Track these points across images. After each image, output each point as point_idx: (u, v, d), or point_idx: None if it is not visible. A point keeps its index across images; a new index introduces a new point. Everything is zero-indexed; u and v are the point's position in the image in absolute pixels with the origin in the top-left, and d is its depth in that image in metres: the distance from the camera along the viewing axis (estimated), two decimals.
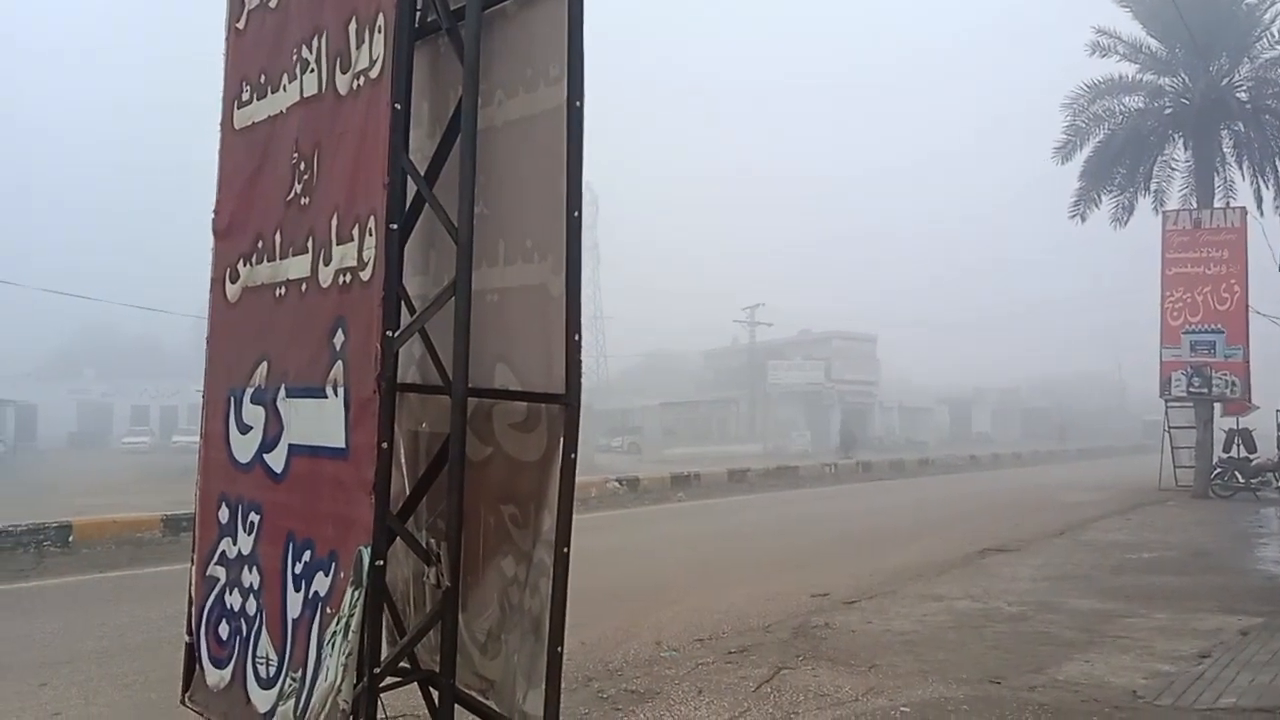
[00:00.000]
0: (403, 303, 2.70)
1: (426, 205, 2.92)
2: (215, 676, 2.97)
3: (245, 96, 3.17)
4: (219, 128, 3.28)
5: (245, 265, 3.07)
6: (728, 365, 72.42)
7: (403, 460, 3.24)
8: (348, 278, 2.57)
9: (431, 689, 3.01)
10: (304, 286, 2.77)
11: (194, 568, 3.16)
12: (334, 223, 2.64)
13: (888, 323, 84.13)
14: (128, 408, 66.63)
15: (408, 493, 3.06)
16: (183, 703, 3.12)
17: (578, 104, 2.71)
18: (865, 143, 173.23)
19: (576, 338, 2.72)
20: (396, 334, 2.46)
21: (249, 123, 3.14)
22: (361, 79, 2.60)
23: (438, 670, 2.82)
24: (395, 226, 2.45)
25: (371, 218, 2.48)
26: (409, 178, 2.67)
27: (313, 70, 2.83)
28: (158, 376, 69.17)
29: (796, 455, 44.55)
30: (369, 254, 2.47)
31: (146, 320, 58.73)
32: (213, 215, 3.26)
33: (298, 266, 2.80)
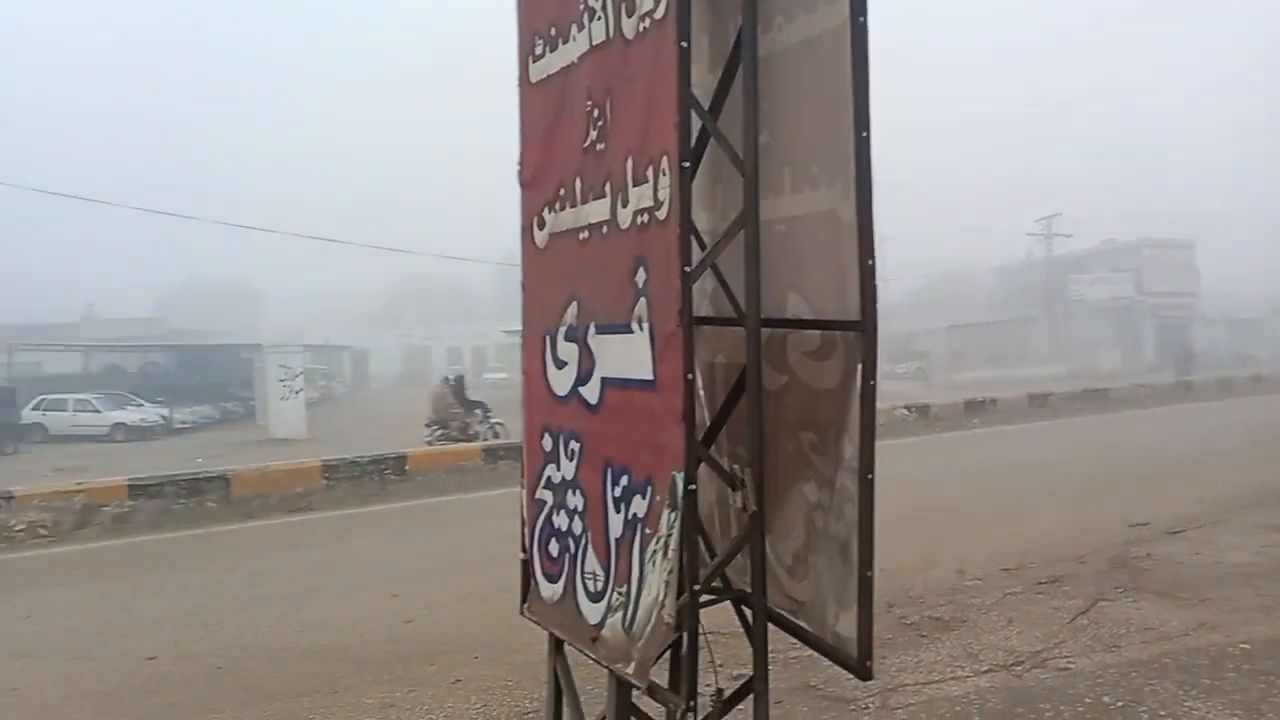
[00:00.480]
0: (692, 238, 2.78)
1: (711, 140, 2.97)
2: (549, 590, 3.27)
3: (539, 51, 3.35)
4: (517, 85, 3.49)
5: (550, 213, 3.28)
6: (1022, 282, 67.68)
7: (700, 391, 3.37)
8: (645, 218, 2.68)
9: (744, 608, 3.14)
10: (605, 229, 2.92)
11: (524, 492, 3.47)
12: (629, 166, 2.75)
13: (1205, 225, 74.72)
14: (443, 349, 73.39)
15: (708, 422, 3.17)
16: (522, 613, 3.47)
17: (861, 19, 2.63)
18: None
19: (870, 263, 2.68)
20: (692, 269, 2.54)
21: (544, 76, 3.32)
22: (647, 20, 2.67)
23: (748, 591, 2.94)
24: (687, 165, 2.52)
25: (664, 158, 2.55)
26: (694, 114, 2.72)
27: (599, 17, 2.93)
28: (467, 320, 75.61)
29: (1105, 376, 41.18)
30: (664, 193, 2.56)
31: (455, 269, 64.03)
32: (518, 168, 3.50)
33: (598, 210, 2.95)
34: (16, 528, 11.05)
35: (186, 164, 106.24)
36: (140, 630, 7.03)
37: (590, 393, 3.01)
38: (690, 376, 2.49)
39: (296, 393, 28.82)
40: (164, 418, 31.72)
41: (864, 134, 2.67)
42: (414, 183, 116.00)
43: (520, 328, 3.53)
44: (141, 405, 32.05)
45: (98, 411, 30.60)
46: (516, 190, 3.52)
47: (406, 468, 14.49)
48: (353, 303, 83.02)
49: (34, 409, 30.31)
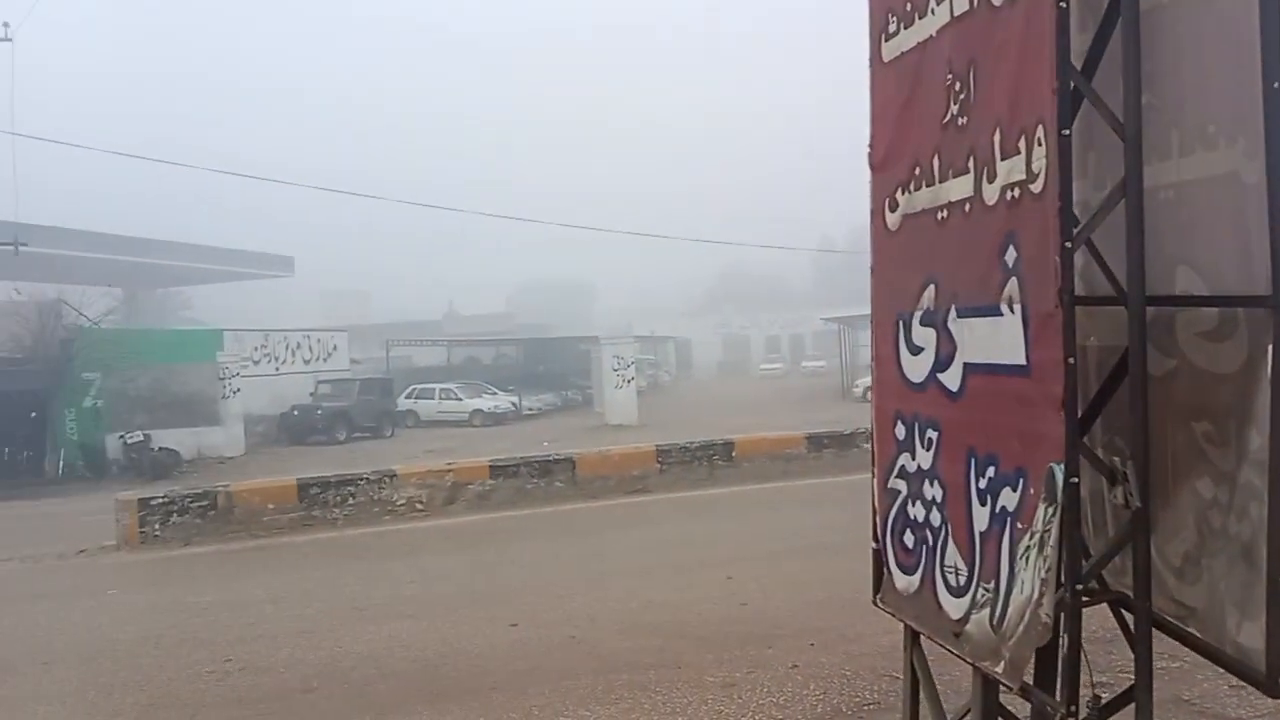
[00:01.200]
0: None
1: (1083, 106, 2.75)
2: (903, 581, 3.20)
3: (892, 29, 3.27)
4: (868, 64, 3.43)
5: (903, 194, 3.20)
6: None
7: None
8: (1015, 192, 2.53)
9: (1124, 611, 2.90)
10: (967, 207, 2.79)
11: (875, 480, 3.42)
12: (996, 138, 2.61)
13: None
14: (762, 338, 74.29)
15: (1080, 410, 2.95)
16: (874, 603, 3.42)
17: None
18: None
19: None
20: (1071, 244, 2.37)
21: (897, 54, 3.24)
22: None
23: (1128, 593, 2.70)
24: (1068, 132, 2.34)
25: (1039, 126, 2.40)
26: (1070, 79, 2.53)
27: None
28: (783, 309, 75.98)
29: None
30: (1038, 165, 2.40)
31: (771, 259, 64.55)
32: (868, 150, 3.44)
33: (959, 188, 2.83)
34: (399, 502, 12.58)
35: (524, 168, 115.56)
36: (503, 598, 7.74)
37: (950, 379, 2.89)
38: (1071, 361, 2.32)
39: (629, 381, 30.51)
40: (514, 405, 34.78)
41: (1276, 85, 2.35)
42: (731, 171, 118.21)
43: (869, 312, 3.48)
44: (495, 393, 35.33)
45: (459, 399, 34.13)
46: (865, 174, 3.47)
47: (734, 454, 14.81)
48: (675, 294, 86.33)
49: (407, 397, 34.42)
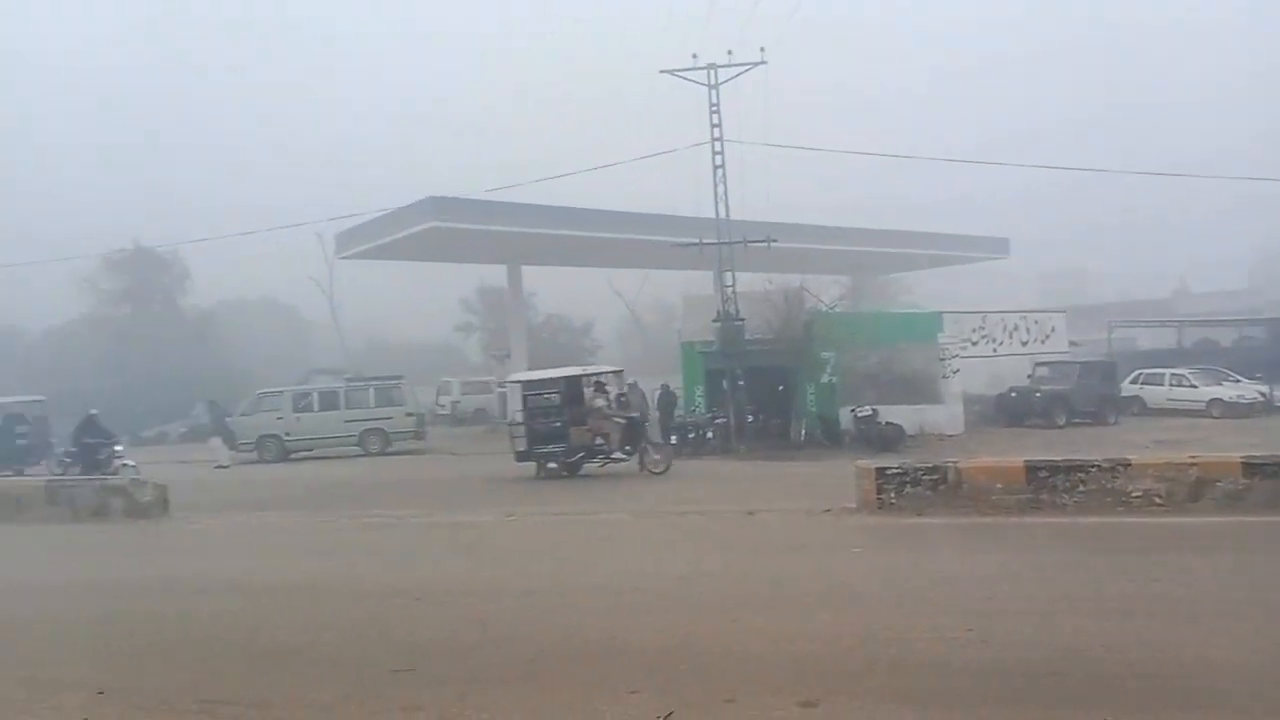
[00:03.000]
0: None
1: None
2: None
3: None
4: None
5: None
6: None
7: None
8: None
9: None
10: None
11: None
12: None
13: None
14: None
15: None
16: None
17: None
18: None
19: None
20: None
21: None
22: None
23: None
24: None
25: None
26: None
27: None
28: None
29: None
30: None
31: None
32: None
33: None
34: (1134, 494, 11.67)
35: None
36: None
37: None
38: None
39: None
40: (1263, 395, 29.95)
41: None
42: None
43: None
44: (1239, 381, 30.84)
45: (1194, 386, 30.54)
46: None
47: None
48: None
49: (1131, 382, 31.86)
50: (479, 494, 18.30)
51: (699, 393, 27.07)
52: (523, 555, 10.83)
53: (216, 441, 27.64)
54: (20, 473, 25.21)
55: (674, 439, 24.31)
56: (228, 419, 28.62)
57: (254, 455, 27.80)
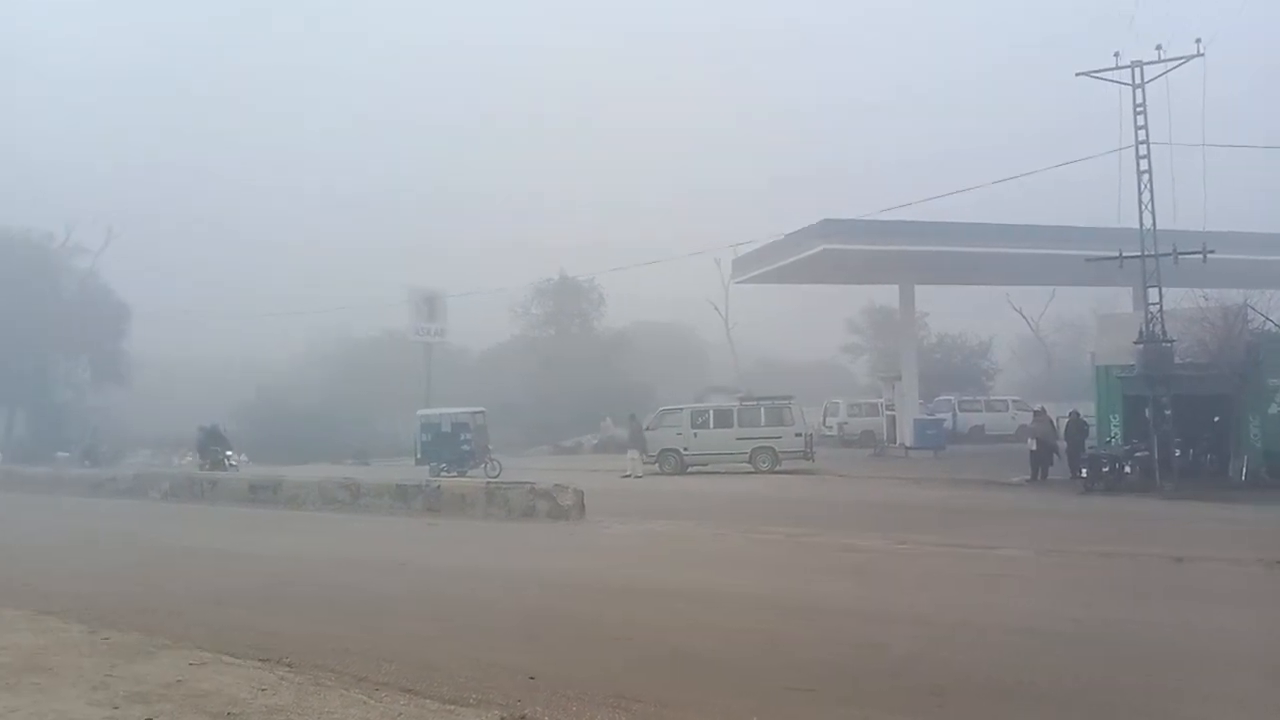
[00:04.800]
0: None
1: None
2: None
3: None
4: None
5: None
6: None
7: None
8: None
9: None
10: None
11: None
12: None
13: None
14: None
15: None
16: None
17: None
18: None
19: None
20: None
21: None
22: None
23: None
24: None
25: None
26: None
27: None
28: None
29: None
30: None
31: None
32: None
33: None
34: None
35: None
36: None
37: None
38: None
39: None
40: None
41: None
42: None
43: None
44: None
45: None
46: None
47: None
48: None
49: None
50: (868, 519, 18.14)
51: (1115, 421, 24.65)
52: (914, 583, 10.60)
53: (634, 453, 29.73)
54: (463, 474, 29.11)
55: (1084, 472, 22.40)
56: (647, 432, 30.68)
57: (655, 468, 29.66)
